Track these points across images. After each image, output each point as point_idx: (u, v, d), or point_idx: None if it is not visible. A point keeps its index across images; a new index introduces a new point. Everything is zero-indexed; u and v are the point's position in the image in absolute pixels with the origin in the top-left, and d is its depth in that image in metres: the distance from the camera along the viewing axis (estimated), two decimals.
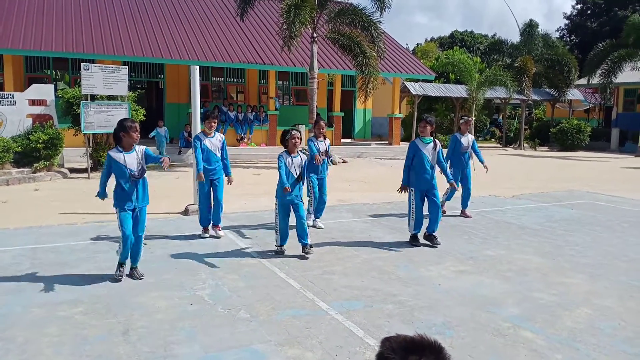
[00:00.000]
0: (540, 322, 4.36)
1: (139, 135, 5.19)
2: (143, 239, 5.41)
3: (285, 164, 5.93)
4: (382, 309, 4.57)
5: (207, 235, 6.91)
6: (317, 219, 7.70)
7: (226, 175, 6.96)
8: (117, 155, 5.09)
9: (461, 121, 8.96)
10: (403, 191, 6.79)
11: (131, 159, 5.10)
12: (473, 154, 8.90)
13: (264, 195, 10.29)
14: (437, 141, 6.75)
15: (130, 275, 5.24)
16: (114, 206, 5.22)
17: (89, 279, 5.13)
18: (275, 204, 6.13)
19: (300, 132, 6.16)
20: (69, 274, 5.31)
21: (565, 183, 13.06)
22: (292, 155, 6.02)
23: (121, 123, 5.14)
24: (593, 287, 5.29)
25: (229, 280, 5.23)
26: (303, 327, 4.16)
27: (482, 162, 8.76)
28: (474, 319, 4.38)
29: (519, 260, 6.14)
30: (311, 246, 6.13)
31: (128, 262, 5.27)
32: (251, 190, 10.84)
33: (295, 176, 5.97)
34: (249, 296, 4.81)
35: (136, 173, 5.10)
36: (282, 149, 6.14)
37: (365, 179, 13.37)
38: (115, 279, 5.13)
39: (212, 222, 6.99)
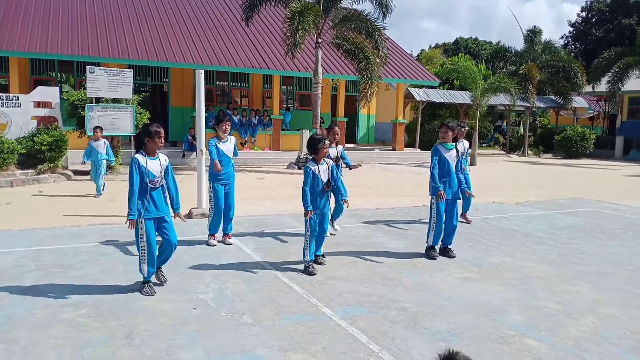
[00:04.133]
0: (544, 330, 4.34)
1: (163, 142, 4.98)
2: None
3: (312, 172, 5.74)
4: (386, 315, 4.56)
5: (215, 243, 6.71)
6: (334, 220, 7.69)
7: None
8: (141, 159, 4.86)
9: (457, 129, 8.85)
10: (441, 199, 6.30)
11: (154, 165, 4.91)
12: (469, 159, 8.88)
13: (268, 199, 10.30)
14: (459, 149, 6.48)
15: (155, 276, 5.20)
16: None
17: (93, 282, 5.12)
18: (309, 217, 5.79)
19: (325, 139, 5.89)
20: (73, 277, 5.30)
21: (569, 190, 13.02)
22: (319, 163, 5.82)
23: (146, 128, 4.96)
24: (598, 295, 5.26)
25: (233, 285, 5.22)
26: (307, 332, 4.15)
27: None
28: (479, 327, 4.36)
29: (523, 268, 6.12)
30: (323, 256, 6.11)
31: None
32: (255, 194, 10.85)
33: (323, 184, 5.77)
34: (252, 301, 4.80)
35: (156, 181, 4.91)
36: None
37: (369, 184, 13.35)
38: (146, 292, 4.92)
39: (222, 230, 6.88)
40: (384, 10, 16.84)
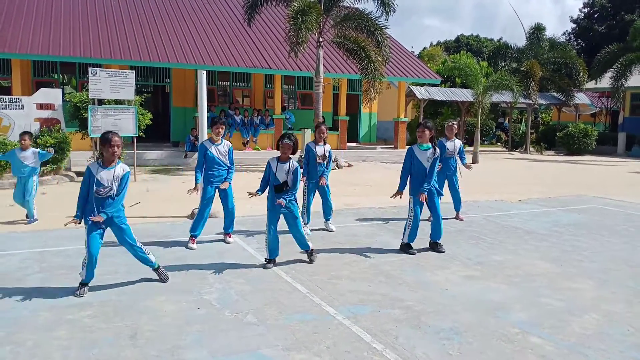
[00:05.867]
0: (548, 327, 4.34)
1: (116, 151, 4.87)
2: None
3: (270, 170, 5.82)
4: (389, 313, 4.57)
5: (194, 247, 6.57)
6: (328, 222, 7.73)
7: (225, 179, 6.73)
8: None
9: (446, 125, 8.75)
10: (398, 197, 6.62)
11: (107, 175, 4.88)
12: (468, 167, 8.85)
13: None
14: (437, 149, 6.53)
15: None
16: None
17: (97, 282, 5.14)
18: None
19: (293, 142, 5.85)
20: (77, 278, 5.32)
21: (572, 187, 13.01)
22: (280, 161, 5.84)
23: (102, 134, 4.94)
24: (601, 292, 5.26)
25: (236, 285, 5.24)
26: (310, 331, 4.16)
27: (463, 163, 8.77)
28: (482, 325, 4.37)
29: (526, 266, 6.12)
30: (312, 251, 6.13)
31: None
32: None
33: (280, 182, 5.78)
34: (256, 300, 4.82)
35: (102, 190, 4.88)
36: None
37: (371, 183, 13.36)
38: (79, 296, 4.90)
39: (223, 229, 6.96)
40: (386, 9, 16.82)
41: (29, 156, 8.01)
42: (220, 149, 6.74)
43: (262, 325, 4.27)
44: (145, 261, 5.24)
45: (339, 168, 16.70)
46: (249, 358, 3.72)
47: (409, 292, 5.14)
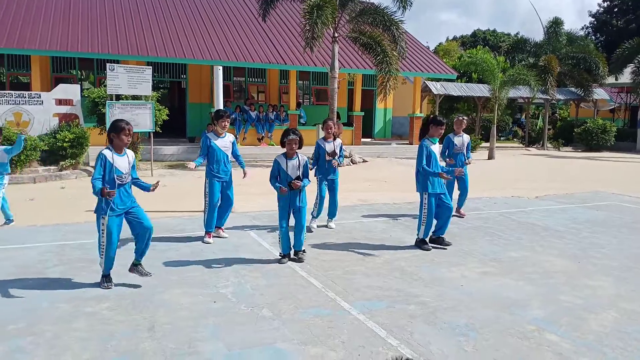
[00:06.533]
0: (565, 325, 4.30)
1: (130, 139, 4.94)
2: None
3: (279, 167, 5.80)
4: (404, 309, 4.56)
5: (211, 241, 6.63)
6: (330, 220, 7.68)
7: (242, 167, 6.92)
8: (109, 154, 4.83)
9: (455, 120, 8.65)
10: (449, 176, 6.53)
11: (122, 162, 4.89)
12: (467, 162, 8.71)
13: None
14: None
15: (137, 272, 5.11)
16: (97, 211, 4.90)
17: (115, 276, 5.20)
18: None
19: (299, 136, 5.81)
20: (96, 271, 5.39)
21: (590, 184, 12.83)
22: (289, 157, 5.82)
23: (113, 123, 4.94)
24: (619, 290, 5.20)
25: (252, 279, 5.27)
26: (325, 326, 4.18)
27: (467, 157, 8.59)
28: (498, 321, 4.34)
29: (543, 262, 6.06)
30: (304, 251, 6.05)
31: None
32: (272, 189, 10.88)
33: (293, 179, 5.77)
34: (271, 295, 4.84)
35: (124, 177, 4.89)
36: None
37: (386, 179, 13.32)
38: (106, 287, 4.95)
39: (216, 223, 6.82)
40: (403, 4, 16.72)
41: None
42: (224, 141, 6.74)
43: (277, 319, 4.29)
44: (144, 252, 5.11)
45: (353, 164, 16.66)
46: (264, 352, 3.74)
47: (425, 288, 5.13)
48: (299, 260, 5.91)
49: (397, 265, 5.82)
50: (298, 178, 5.79)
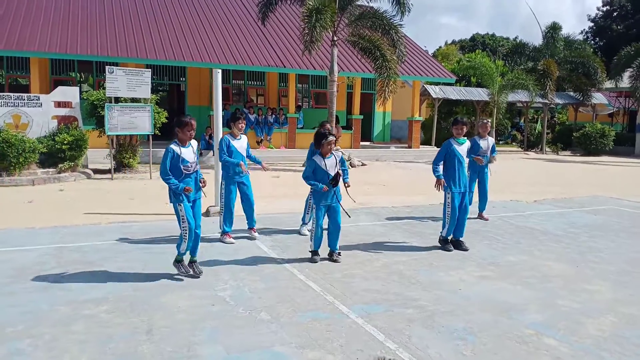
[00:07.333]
0: (563, 329, 4.31)
1: (193, 133, 5.34)
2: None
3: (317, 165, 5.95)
4: (402, 313, 4.57)
5: (233, 241, 6.80)
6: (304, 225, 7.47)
7: (258, 164, 7.09)
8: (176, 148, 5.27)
9: (480, 124, 8.92)
10: (440, 187, 6.56)
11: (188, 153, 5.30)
12: (492, 159, 8.85)
13: (284, 197, 10.34)
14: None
15: (192, 268, 5.41)
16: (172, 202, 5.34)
17: (113, 278, 5.21)
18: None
19: (335, 136, 6.10)
20: (94, 273, 5.40)
21: (588, 188, 12.86)
22: (325, 157, 5.98)
23: (177, 118, 5.39)
24: (617, 294, 5.20)
25: (250, 282, 5.27)
26: (324, 330, 4.18)
27: (493, 154, 8.80)
28: (496, 325, 4.35)
29: (541, 267, 6.07)
30: (339, 253, 6.16)
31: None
32: (271, 192, 10.90)
33: (333, 175, 5.89)
34: (269, 298, 4.84)
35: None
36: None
37: (385, 182, 13.33)
38: (191, 275, 5.34)
39: (247, 225, 7.10)
40: (402, 8, 16.75)
41: None
42: (241, 142, 6.89)
43: (275, 322, 4.29)
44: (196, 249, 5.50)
45: (352, 167, 16.68)
46: (263, 355, 3.74)
47: (423, 291, 5.13)
48: (334, 261, 6.00)
49: (395, 269, 5.83)
50: (338, 174, 5.92)
